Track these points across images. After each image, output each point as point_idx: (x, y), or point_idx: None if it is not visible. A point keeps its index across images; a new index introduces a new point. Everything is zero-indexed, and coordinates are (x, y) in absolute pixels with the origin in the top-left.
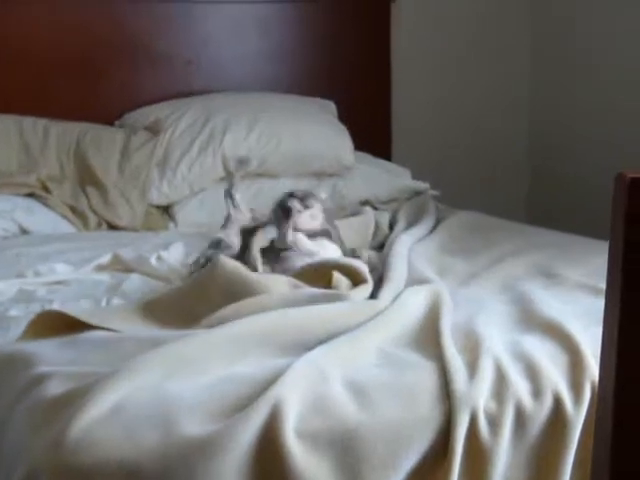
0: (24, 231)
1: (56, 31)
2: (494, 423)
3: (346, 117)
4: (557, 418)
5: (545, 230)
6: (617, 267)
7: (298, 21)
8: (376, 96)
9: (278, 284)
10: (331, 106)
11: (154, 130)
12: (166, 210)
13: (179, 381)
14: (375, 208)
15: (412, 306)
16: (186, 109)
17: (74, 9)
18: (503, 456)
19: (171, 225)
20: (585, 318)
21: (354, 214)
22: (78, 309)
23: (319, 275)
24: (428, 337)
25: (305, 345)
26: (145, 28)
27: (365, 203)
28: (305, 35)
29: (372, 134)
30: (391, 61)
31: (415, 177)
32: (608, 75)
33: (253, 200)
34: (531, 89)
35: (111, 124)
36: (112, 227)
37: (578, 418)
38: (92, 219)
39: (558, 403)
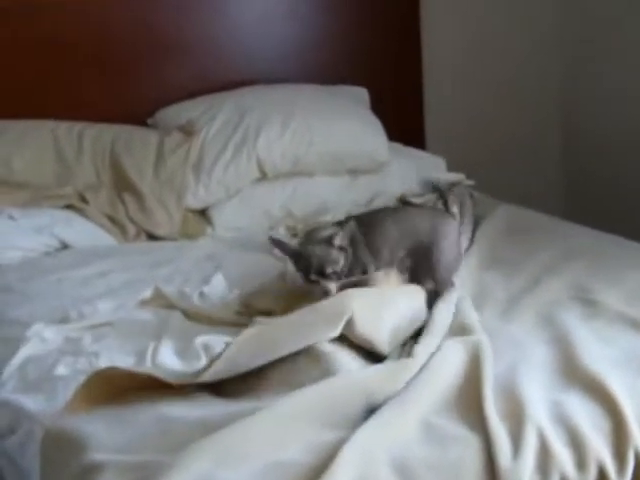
0: (64, 245)
1: (83, 30)
2: None
3: (378, 103)
4: None
5: (581, 228)
6: None
7: (326, 6)
8: (408, 81)
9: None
10: (363, 93)
11: (187, 131)
12: (203, 213)
13: (229, 470)
14: (410, 203)
15: (452, 365)
16: (218, 107)
17: (98, 8)
18: None
19: (209, 229)
20: (625, 366)
21: None
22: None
23: None
24: (470, 401)
25: (348, 417)
26: (170, 22)
27: (401, 198)
28: (334, 21)
29: (405, 120)
30: (422, 44)
31: (450, 160)
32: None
33: (290, 199)
34: (563, 74)
35: (144, 122)
36: (151, 235)
37: None
38: (130, 228)
39: (602, 474)
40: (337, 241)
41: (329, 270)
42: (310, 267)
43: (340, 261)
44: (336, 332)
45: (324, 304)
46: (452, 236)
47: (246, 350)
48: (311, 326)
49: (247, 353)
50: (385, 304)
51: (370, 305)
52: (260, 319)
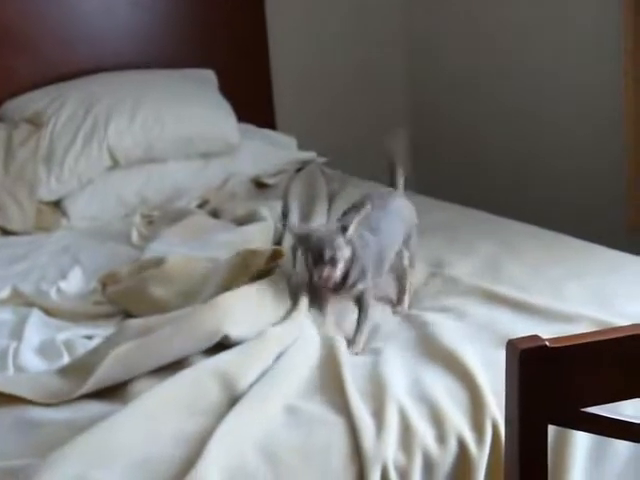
0: None
1: None
2: (404, 475)
3: (226, 86)
4: (462, 461)
5: (434, 202)
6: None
7: None
8: (255, 61)
9: None
10: (211, 76)
11: (35, 122)
12: (57, 204)
13: (102, 469)
14: (265, 184)
15: (312, 349)
16: (66, 97)
17: None
18: None
19: (64, 221)
20: (477, 337)
21: (250, 215)
22: None
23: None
24: (332, 383)
25: (212, 404)
26: (12, 11)
27: (254, 179)
28: (178, 4)
29: (254, 100)
30: (267, 23)
31: (301, 140)
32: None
33: (144, 186)
34: (409, 52)
35: None
36: (5, 230)
37: (482, 458)
38: None
39: (462, 446)
40: (350, 231)
41: (327, 254)
42: (310, 250)
43: (344, 250)
44: (208, 345)
45: (199, 317)
46: None
47: (119, 365)
48: (185, 342)
49: (119, 368)
50: (262, 300)
51: (247, 308)
52: (129, 322)
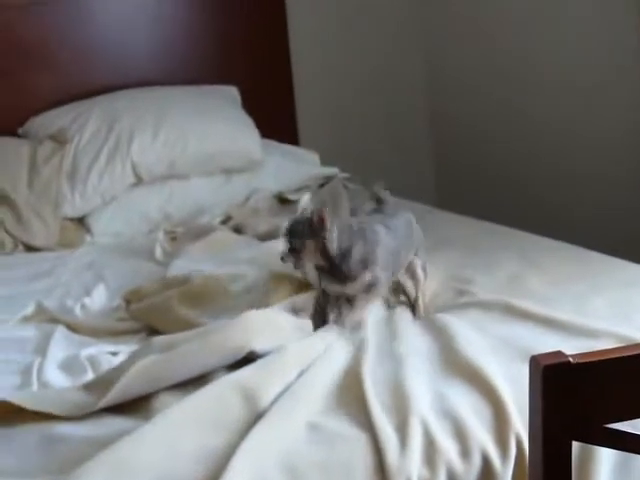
0: None
1: None
2: None
3: (249, 102)
4: (486, 476)
5: (454, 216)
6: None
7: (190, 7)
8: (278, 77)
9: None
10: (234, 92)
11: (59, 139)
12: (80, 221)
13: None
14: (288, 200)
15: (334, 364)
16: (89, 114)
17: None
18: None
19: (88, 237)
20: (500, 352)
21: (273, 231)
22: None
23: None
24: (354, 399)
25: (236, 420)
26: (35, 30)
27: (277, 195)
28: (200, 21)
29: (277, 116)
30: (289, 40)
31: (324, 156)
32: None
33: (167, 202)
34: (428, 64)
35: (14, 132)
36: (29, 247)
37: (506, 474)
38: (8, 241)
39: (486, 461)
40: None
41: (286, 246)
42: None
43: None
44: (233, 360)
45: (226, 332)
46: None
47: (142, 378)
48: (210, 357)
49: (143, 380)
50: (289, 318)
51: (275, 325)
52: (155, 339)
